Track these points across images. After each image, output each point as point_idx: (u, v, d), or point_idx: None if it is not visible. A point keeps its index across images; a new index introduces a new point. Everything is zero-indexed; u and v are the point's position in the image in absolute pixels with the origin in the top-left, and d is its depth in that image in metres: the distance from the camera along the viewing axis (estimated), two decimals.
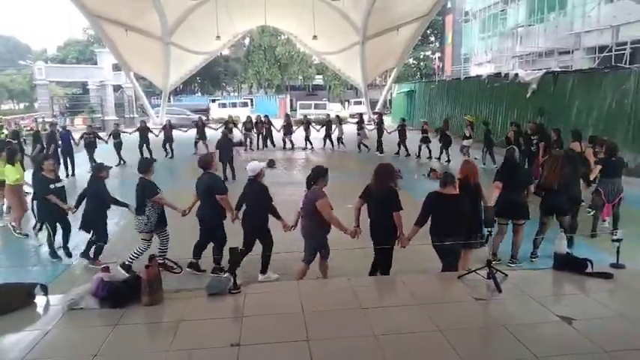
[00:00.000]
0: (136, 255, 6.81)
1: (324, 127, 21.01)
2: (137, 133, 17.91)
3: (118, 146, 17.21)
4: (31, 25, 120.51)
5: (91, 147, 16.00)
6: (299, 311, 4.91)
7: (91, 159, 15.50)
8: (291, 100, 47.69)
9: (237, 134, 21.27)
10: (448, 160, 16.62)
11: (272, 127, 21.33)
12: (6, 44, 71.78)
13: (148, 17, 27.91)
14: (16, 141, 14.31)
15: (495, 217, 6.37)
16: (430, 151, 17.56)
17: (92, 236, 7.33)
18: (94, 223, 7.23)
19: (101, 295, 5.10)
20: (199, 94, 54.69)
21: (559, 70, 19.09)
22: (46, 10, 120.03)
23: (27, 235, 8.55)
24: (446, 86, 27.89)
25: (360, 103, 40.64)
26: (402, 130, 18.56)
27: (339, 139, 20.89)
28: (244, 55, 52.83)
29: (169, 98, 39.63)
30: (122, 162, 17.06)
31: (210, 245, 6.91)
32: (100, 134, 18.34)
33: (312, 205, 5.73)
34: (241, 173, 13.02)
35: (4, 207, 9.60)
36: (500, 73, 22.03)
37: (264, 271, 6.61)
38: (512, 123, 15.07)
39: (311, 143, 20.90)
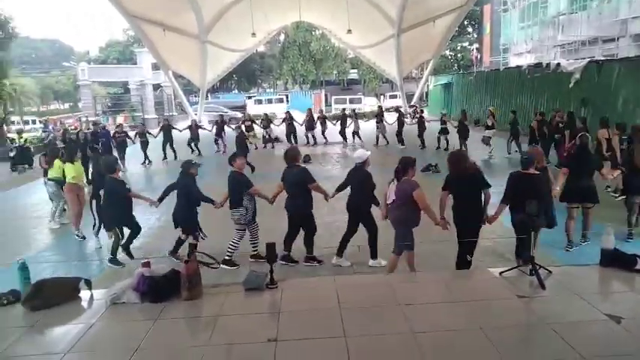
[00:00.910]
0: (233, 247, 6.89)
1: (339, 122, 21.06)
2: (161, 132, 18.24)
3: (144, 145, 17.36)
4: (74, 28, 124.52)
5: (122, 146, 16.25)
6: (335, 307, 4.88)
7: (122, 158, 15.81)
8: (326, 95, 47.63)
9: (273, 129, 21.37)
10: (423, 147, 17.63)
11: (294, 123, 21.12)
12: (52, 47, 74.70)
13: (185, 16, 28.35)
14: (62, 142, 14.80)
15: (566, 203, 6.99)
16: (448, 142, 17.52)
17: (182, 234, 7.17)
18: (185, 220, 7.06)
19: (142, 290, 5.21)
20: (236, 91, 55.32)
21: (603, 58, 18.33)
22: (89, 12, 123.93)
23: (84, 238, 8.42)
24: (484, 77, 27.25)
25: (395, 96, 40.22)
26: (420, 122, 19.02)
27: (355, 134, 20.80)
28: (279, 51, 53.08)
29: (207, 96, 40.26)
30: (148, 161, 17.31)
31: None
32: (151, 131, 19.02)
33: (407, 195, 5.71)
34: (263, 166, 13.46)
35: (58, 209, 9.49)
36: (540, 63, 21.33)
37: (373, 256, 6.65)
38: (537, 113, 15.23)
39: (325, 138, 21.08)
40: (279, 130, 21.72)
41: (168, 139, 17.93)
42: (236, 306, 5.12)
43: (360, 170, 6.64)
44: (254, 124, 20.50)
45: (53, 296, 5.14)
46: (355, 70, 54.18)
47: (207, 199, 7.02)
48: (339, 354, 4.04)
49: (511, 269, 5.59)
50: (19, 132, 20.14)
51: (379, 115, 20.28)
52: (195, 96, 39.99)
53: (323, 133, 21.24)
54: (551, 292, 5.06)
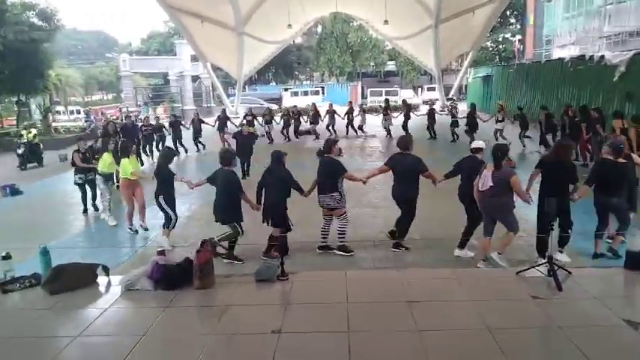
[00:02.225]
0: (343, 233, 6.72)
1: (346, 115, 20.80)
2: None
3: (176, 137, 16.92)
4: (119, 20, 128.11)
5: (148, 139, 15.86)
6: (343, 301, 4.86)
7: (151, 151, 15.72)
8: (362, 88, 47.27)
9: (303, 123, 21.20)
10: (434, 138, 17.67)
11: (301, 118, 20.71)
12: (97, 38, 77.12)
13: (222, 8, 28.61)
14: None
15: None
16: (456, 135, 17.89)
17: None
18: (281, 214, 6.57)
19: (156, 278, 5.34)
20: (273, 83, 55.66)
21: None
22: (132, 3, 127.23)
23: (137, 232, 8.14)
24: (525, 70, 26.37)
25: (433, 89, 39.52)
26: (431, 114, 19.12)
27: (360, 127, 20.68)
28: (316, 42, 52.95)
29: (244, 88, 40.65)
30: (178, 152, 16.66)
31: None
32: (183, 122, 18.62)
33: (505, 182, 5.85)
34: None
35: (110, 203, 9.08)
36: (584, 55, 20.46)
37: (462, 246, 6.57)
38: (543, 107, 15.60)
39: (335, 132, 20.33)
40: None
41: (177, 135, 17.13)
42: (245, 296, 5.17)
43: (472, 158, 6.62)
44: (255, 120, 19.10)
45: (72, 281, 5.34)
46: (393, 62, 53.47)
47: (300, 188, 6.68)
48: (340, 349, 4.02)
49: (528, 269, 5.42)
50: (28, 127, 18.24)
51: (386, 109, 20.15)
52: (234, 88, 40.44)
53: (330, 126, 20.75)
54: (568, 294, 4.88)
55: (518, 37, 46.98)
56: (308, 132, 20.75)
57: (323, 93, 43.15)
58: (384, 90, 39.84)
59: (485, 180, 5.93)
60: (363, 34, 49.69)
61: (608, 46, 24.46)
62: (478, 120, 17.43)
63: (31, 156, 16.52)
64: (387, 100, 21.38)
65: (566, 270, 5.28)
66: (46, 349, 4.20)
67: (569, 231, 6.09)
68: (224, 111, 19.52)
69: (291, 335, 4.27)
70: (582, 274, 5.37)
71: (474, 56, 34.68)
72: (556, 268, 5.14)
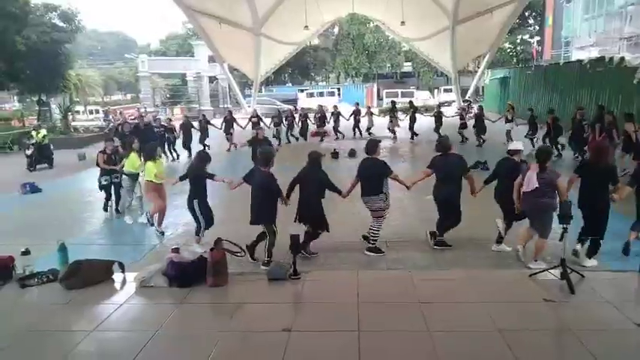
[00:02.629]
0: (377, 233, 6.71)
1: (352, 117, 20.66)
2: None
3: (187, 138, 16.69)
4: (138, 21, 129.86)
5: (160, 140, 14.91)
6: (354, 301, 4.89)
7: (162, 151, 14.57)
8: (378, 89, 47.17)
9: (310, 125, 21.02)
10: (480, 145, 17.08)
11: (308, 120, 20.33)
12: (116, 39, 78.09)
13: (240, 9, 28.82)
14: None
15: None
16: (465, 137, 18.02)
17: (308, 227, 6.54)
18: (319, 214, 6.48)
19: (170, 275, 5.44)
20: (289, 84, 55.81)
21: None
22: (151, 5, 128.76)
23: (163, 234, 7.86)
24: (543, 72, 26.06)
25: (450, 90, 39.26)
26: (438, 117, 18.92)
27: (368, 130, 20.44)
28: (333, 44, 52.97)
29: (261, 89, 40.85)
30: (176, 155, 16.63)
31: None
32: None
33: (551, 183, 5.82)
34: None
35: (128, 202, 9.08)
36: (603, 57, 20.17)
37: (500, 241, 6.57)
38: (550, 111, 15.93)
39: (341, 132, 20.25)
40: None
41: (187, 138, 16.76)
42: (258, 295, 5.24)
43: (509, 160, 6.66)
44: (261, 122, 18.35)
45: (88, 277, 5.47)
46: (409, 63, 53.23)
47: (337, 189, 6.59)
48: (349, 348, 4.06)
49: (542, 271, 5.40)
50: (37, 128, 17.24)
51: (392, 110, 20.00)
52: (250, 89, 40.70)
53: (336, 129, 20.60)
54: (581, 297, 4.85)
55: (537, 38, 46.47)
56: (323, 133, 20.77)
57: (339, 94, 43.17)
58: (400, 91, 39.77)
59: (530, 181, 5.88)
60: (379, 36, 49.56)
61: (629, 47, 24.11)
62: (487, 121, 17.55)
63: (40, 157, 16.07)
64: (393, 102, 21.31)
65: (580, 273, 5.24)
66: (62, 343, 4.31)
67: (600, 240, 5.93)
68: (230, 112, 19.27)
69: (301, 334, 4.31)
70: (596, 278, 5.32)
71: (491, 58, 34.37)
72: (569, 271, 5.10)
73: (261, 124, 17.97)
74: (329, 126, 20.55)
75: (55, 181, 13.29)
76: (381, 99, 41.25)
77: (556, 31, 37.18)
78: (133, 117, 30.02)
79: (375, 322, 4.48)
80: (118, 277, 5.69)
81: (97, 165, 9.39)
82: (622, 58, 17.56)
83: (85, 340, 4.30)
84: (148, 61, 40.59)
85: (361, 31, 49.96)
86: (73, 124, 26.81)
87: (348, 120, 20.72)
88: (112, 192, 9.43)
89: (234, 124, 18.35)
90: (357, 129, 20.58)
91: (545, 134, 15.16)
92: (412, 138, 19.33)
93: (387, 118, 20.45)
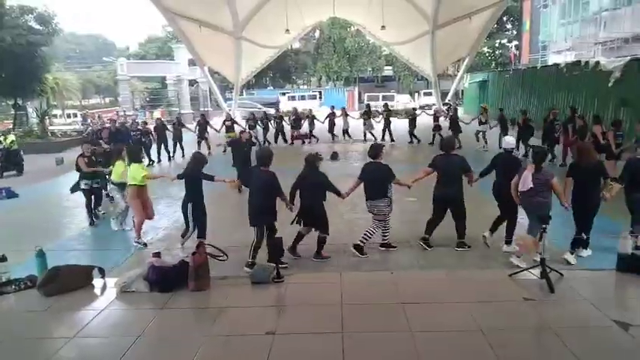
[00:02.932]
0: (371, 236, 6.66)
1: (328, 120, 20.70)
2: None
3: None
4: (117, 24, 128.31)
5: (136, 144, 14.40)
6: (338, 303, 4.90)
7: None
8: (359, 92, 47.38)
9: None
10: (459, 147, 16.61)
11: (283, 122, 20.19)
12: (95, 42, 77.12)
13: (220, 13, 28.66)
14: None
15: None
16: (441, 138, 17.89)
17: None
18: (322, 215, 6.46)
19: (151, 280, 5.38)
20: (270, 87, 55.72)
21: None
22: (130, 8, 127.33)
23: (146, 245, 7.41)
24: (521, 76, 26.50)
25: (430, 94, 39.64)
26: (412, 120, 19.47)
27: (345, 131, 20.54)
28: (314, 47, 53.08)
29: (241, 92, 40.69)
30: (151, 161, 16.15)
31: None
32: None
33: (547, 183, 5.97)
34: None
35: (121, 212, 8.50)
36: (579, 61, 20.59)
37: (509, 242, 6.59)
38: (522, 111, 17.02)
39: (315, 136, 20.32)
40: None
41: (162, 140, 16.48)
42: (240, 298, 5.21)
43: (507, 155, 6.82)
44: (235, 125, 18.26)
45: (67, 283, 5.38)
46: (390, 67, 53.60)
47: (337, 191, 6.56)
48: (334, 349, 4.06)
49: (521, 271, 5.47)
50: (5, 133, 16.56)
51: (367, 113, 20.31)
52: (231, 92, 40.50)
53: (311, 131, 20.73)
54: (560, 295, 4.95)
55: (515, 42, 47.19)
56: (305, 136, 20.77)
57: (320, 97, 43.27)
58: (381, 95, 40.05)
59: (525, 180, 6.02)
60: (360, 40, 49.85)
61: (604, 52, 24.65)
62: (461, 123, 18.00)
63: (8, 163, 15.42)
64: (368, 106, 21.56)
65: (559, 272, 5.33)
66: (41, 351, 4.23)
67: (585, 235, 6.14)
68: (203, 116, 18.76)
69: (285, 336, 4.31)
70: (574, 277, 5.42)
71: (470, 62, 34.77)
72: (549, 270, 5.19)
73: (235, 127, 17.93)
74: (303, 129, 20.47)
75: (32, 186, 13.04)
76: (362, 102, 41.44)
77: (533, 36, 37.84)
78: (112, 120, 29.75)
79: (359, 324, 4.50)
80: (98, 282, 5.61)
81: (78, 170, 9.00)
82: (597, 62, 17.93)
83: (65, 347, 4.23)
84: (127, 65, 40.07)
85: (342, 35, 50.17)
86: (50, 128, 26.35)
87: (323, 123, 20.67)
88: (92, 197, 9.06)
89: (209, 128, 17.91)
90: (332, 131, 20.55)
91: (518, 134, 15.51)
92: (383, 139, 19.49)
93: (362, 120, 20.56)
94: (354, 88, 48.51)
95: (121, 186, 8.14)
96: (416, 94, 46.19)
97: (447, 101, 34.69)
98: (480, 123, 17.65)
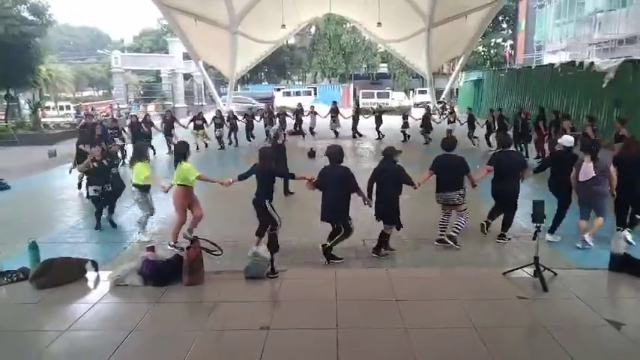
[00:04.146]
0: (462, 225, 6.79)
1: (294, 115, 20.83)
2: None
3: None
4: (112, 16, 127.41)
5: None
6: (332, 299, 4.90)
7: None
8: (354, 89, 47.38)
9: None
10: (427, 143, 17.87)
11: (254, 121, 19.54)
12: (89, 34, 76.60)
13: (216, 7, 28.53)
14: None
15: None
16: (408, 137, 19.01)
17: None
18: (393, 207, 6.44)
19: (145, 273, 5.35)
20: (265, 82, 55.58)
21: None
22: (126, 0, 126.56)
23: (182, 250, 6.30)
24: (516, 75, 26.62)
25: (425, 92, 39.71)
26: (378, 117, 19.93)
27: (311, 130, 20.58)
28: (310, 43, 52.98)
29: (236, 87, 40.56)
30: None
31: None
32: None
33: (604, 171, 6.47)
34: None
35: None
36: (574, 61, 20.68)
37: (552, 231, 6.90)
38: (498, 109, 18.01)
39: (303, 132, 20.14)
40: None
41: (136, 137, 15.15)
42: (235, 293, 5.20)
43: (569, 153, 7.05)
44: (205, 124, 17.49)
45: (60, 275, 5.34)
46: (385, 65, 53.64)
47: (412, 182, 6.51)
48: (328, 345, 4.06)
49: (515, 269, 5.50)
50: None
51: (334, 110, 20.38)
52: (226, 86, 40.37)
53: (295, 126, 20.77)
54: (553, 294, 4.97)
55: (510, 42, 47.38)
56: (300, 133, 20.76)
57: (315, 94, 43.20)
58: (376, 92, 39.99)
59: (586, 171, 6.44)
60: (356, 36, 49.83)
61: (598, 52, 24.77)
62: (432, 122, 18.89)
63: None
64: (334, 103, 21.56)
65: (552, 271, 5.36)
66: (33, 344, 4.20)
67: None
68: (170, 112, 17.83)
69: (279, 332, 4.30)
70: (567, 275, 5.45)
71: (465, 60, 34.88)
72: (542, 269, 5.22)
73: (205, 126, 17.28)
74: (275, 126, 18.84)
75: (24, 178, 12.93)
76: (358, 99, 41.40)
77: (529, 36, 37.99)
78: (105, 114, 29.58)
79: (353, 320, 4.50)
80: (91, 275, 5.57)
81: (87, 173, 8.21)
82: (592, 63, 18.02)
83: (58, 340, 4.20)
84: (122, 57, 39.83)
85: (338, 32, 50.10)
86: (43, 120, 26.13)
87: (293, 119, 20.64)
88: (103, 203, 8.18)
89: (175, 125, 16.70)
90: (298, 127, 20.54)
91: (487, 132, 16.70)
92: (354, 137, 19.99)
93: (329, 118, 20.61)
94: (349, 85, 48.47)
95: (144, 188, 7.33)
96: (411, 92, 46.22)
97: (441, 99, 34.79)
98: (449, 122, 18.61)
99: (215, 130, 17.84)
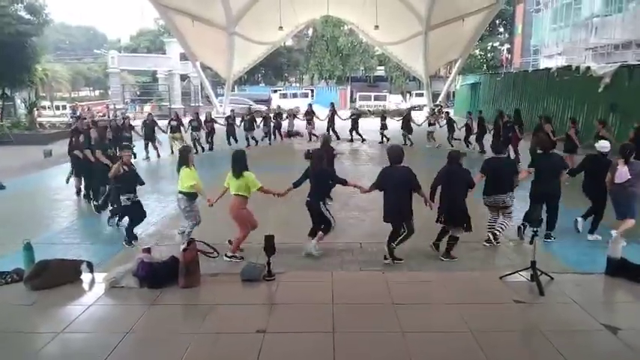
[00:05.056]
0: (506, 226, 7.00)
1: (274, 118, 20.56)
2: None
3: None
4: (108, 16, 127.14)
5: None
6: (329, 302, 4.89)
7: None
8: (351, 92, 47.44)
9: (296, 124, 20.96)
10: (405, 144, 17.81)
11: (235, 125, 18.47)
12: (86, 34, 76.38)
13: (214, 8, 28.52)
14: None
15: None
16: (385, 138, 19.24)
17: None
18: (461, 210, 6.43)
19: (141, 275, 5.32)
20: (262, 84, 55.55)
21: (636, 63, 17.73)
22: (123, 0, 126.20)
23: (242, 259, 6.45)
24: (512, 79, 26.69)
25: (422, 95, 39.80)
26: (354, 120, 19.88)
27: (289, 132, 20.62)
28: (307, 45, 53.02)
29: (233, 88, 40.52)
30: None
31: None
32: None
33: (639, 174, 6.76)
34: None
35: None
36: (570, 65, 20.78)
37: (593, 232, 7.25)
38: (479, 111, 19.49)
39: (255, 139, 18.54)
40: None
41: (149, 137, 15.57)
42: (231, 296, 5.17)
43: (603, 158, 7.26)
44: (181, 126, 16.63)
45: (54, 277, 5.29)
46: (382, 67, 53.74)
47: (474, 183, 6.65)
48: (325, 349, 4.04)
49: (512, 273, 5.49)
50: None
51: (310, 113, 20.24)
52: (222, 88, 40.32)
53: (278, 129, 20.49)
54: (550, 298, 4.97)
55: (507, 46, 47.53)
56: (296, 134, 20.78)
57: (312, 96, 43.21)
58: (373, 94, 40.11)
59: (622, 174, 6.74)
60: (353, 39, 49.91)
61: (594, 57, 24.87)
62: (412, 124, 18.98)
63: None
64: (310, 105, 21.51)
65: (549, 275, 5.36)
66: (27, 346, 4.16)
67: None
68: (150, 115, 17.06)
69: (275, 335, 4.28)
70: (564, 280, 5.45)
71: (462, 64, 34.98)
72: (539, 273, 5.22)
73: (181, 128, 16.52)
74: (259, 130, 19.31)
75: (19, 177, 12.86)
76: (354, 101, 41.50)
77: (525, 40, 38.11)
78: (101, 114, 29.49)
79: (350, 323, 4.48)
80: (86, 277, 5.53)
81: (115, 179, 7.37)
82: (588, 68, 18.09)
83: (52, 343, 4.16)
84: (118, 57, 39.75)
85: (335, 34, 50.16)
86: (38, 119, 26.04)
87: (272, 121, 20.20)
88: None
89: (156, 129, 15.92)
90: (277, 131, 20.28)
91: (467, 134, 17.30)
92: (352, 140, 19.89)
93: (305, 120, 20.49)
94: (346, 87, 48.52)
95: (191, 196, 6.83)
96: (408, 95, 46.32)
97: (437, 102, 34.85)
98: (430, 124, 19.18)
99: (192, 133, 16.95)
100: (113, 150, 9.92)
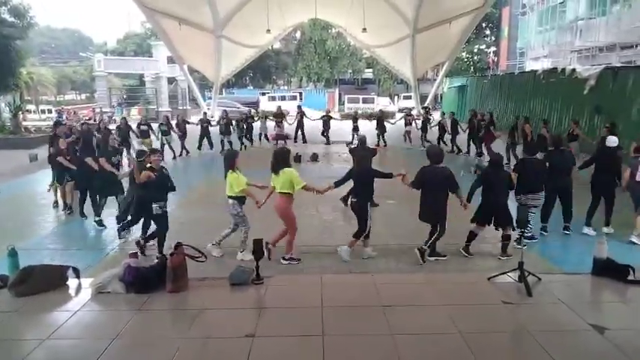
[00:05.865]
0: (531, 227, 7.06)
1: (244, 122, 19.71)
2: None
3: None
4: (94, 19, 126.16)
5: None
6: (318, 305, 4.87)
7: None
8: (339, 94, 47.51)
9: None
10: (385, 145, 18.70)
11: (209, 128, 17.81)
12: (71, 37, 75.69)
13: (201, 11, 28.44)
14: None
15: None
16: (383, 141, 19.31)
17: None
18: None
19: (128, 280, 5.26)
20: (250, 87, 55.45)
21: (620, 65, 17.98)
22: (108, 2, 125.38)
23: (299, 260, 6.50)
24: (499, 81, 26.93)
25: (409, 97, 39.97)
26: (326, 121, 20.34)
27: (260, 135, 20.48)
28: (295, 48, 53.07)
29: (221, 91, 40.37)
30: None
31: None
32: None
33: None
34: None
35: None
36: (556, 68, 21.00)
37: (607, 224, 7.56)
38: (451, 112, 20.14)
39: (230, 143, 17.08)
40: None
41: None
42: (219, 300, 5.14)
43: (612, 153, 7.59)
44: (151, 130, 16.01)
45: (40, 283, 5.22)
46: (370, 70, 53.95)
47: (514, 185, 6.88)
48: (314, 352, 4.03)
49: (500, 274, 5.52)
50: None
51: (279, 115, 20.24)
52: (211, 91, 40.18)
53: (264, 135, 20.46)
54: (538, 299, 5.00)
55: (493, 48, 47.99)
56: (286, 137, 20.71)
57: (301, 98, 43.19)
58: (361, 97, 40.16)
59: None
60: (341, 41, 50.04)
61: (579, 59, 25.18)
62: (386, 124, 19.62)
63: None
64: (279, 107, 21.59)
65: (536, 276, 5.40)
66: (12, 353, 4.09)
67: None
68: (124, 119, 16.42)
69: (265, 339, 4.26)
70: (551, 280, 5.49)
71: (449, 66, 35.23)
72: (527, 274, 5.25)
73: (151, 133, 15.91)
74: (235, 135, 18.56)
75: (4, 182, 12.67)
76: (343, 104, 41.54)
77: (511, 42, 38.53)
78: (87, 117, 29.17)
79: (339, 326, 4.47)
80: (72, 283, 5.46)
81: (139, 183, 6.73)
82: (573, 70, 18.29)
83: (37, 350, 4.10)
84: (105, 61, 39.38)
85: (323, 37, 50.25)
86: (24, 123, 25.72)
87: (242, 126, 19.47)
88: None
89: (131, 133, 15.37)
90: (248, 135, 19.74)
91: (440, 134, 18.11)
92: (296, 141, 20.09)
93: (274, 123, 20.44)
94: (334, 90, 48.58)
95: (241, 200, 6.62)
96: (396, 97, 46.49)
97: (425, 105, 35.00)
98: (406, 124, 20.28)
99: (162, 138, 16.29)
100: (119, 157, 9.38)
